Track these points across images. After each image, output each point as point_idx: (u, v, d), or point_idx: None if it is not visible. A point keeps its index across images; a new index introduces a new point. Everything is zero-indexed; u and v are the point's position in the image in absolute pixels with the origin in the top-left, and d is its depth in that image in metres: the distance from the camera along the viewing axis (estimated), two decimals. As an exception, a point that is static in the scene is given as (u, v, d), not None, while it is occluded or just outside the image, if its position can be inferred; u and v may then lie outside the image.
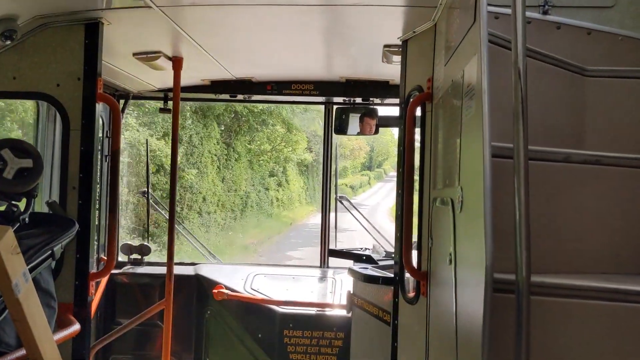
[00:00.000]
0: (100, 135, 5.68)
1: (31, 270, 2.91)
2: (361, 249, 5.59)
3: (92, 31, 3.70)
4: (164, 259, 5.24)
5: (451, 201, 2.60)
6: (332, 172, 6.40)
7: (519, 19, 2.03)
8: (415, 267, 3.64)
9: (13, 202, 3.25)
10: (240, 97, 6.04)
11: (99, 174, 5.26)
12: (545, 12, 3.50)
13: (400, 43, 4.04)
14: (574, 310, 2.11)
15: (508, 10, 3.30)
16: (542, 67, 3.10)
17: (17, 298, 2.55)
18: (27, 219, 3.26)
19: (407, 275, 3.81)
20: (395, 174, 3.94)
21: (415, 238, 3.75)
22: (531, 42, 2.90)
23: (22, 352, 2.87)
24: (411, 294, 3.75)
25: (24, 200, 3.32)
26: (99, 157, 5.32)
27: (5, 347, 2.94)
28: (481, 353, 1.85)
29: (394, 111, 6.69)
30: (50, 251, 3.21)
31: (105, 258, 5.61)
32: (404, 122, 3.80)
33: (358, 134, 5.95)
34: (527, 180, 1.91)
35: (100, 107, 3.86)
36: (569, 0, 3.70)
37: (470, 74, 2.35)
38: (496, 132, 2.04)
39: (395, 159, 3.94)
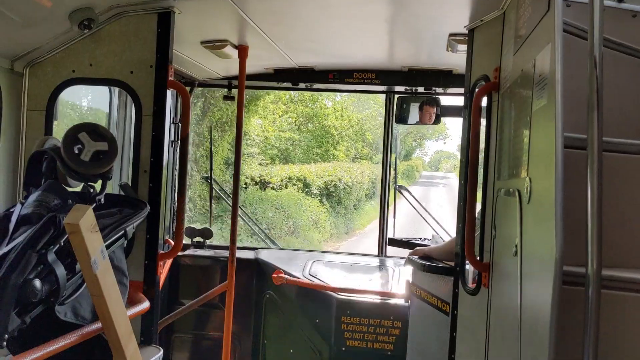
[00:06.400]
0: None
1: (106, 248, 3.04)
2: (420, 239, 5.57)
3: (165, 20, 3.82)
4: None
5: (518, 192, 2.57)
6: (392, 162, 6.39)
7: (596, 7, 1.98)
8: (477, 258, 3.62)
9: (89, 183, 3.41)
10: (302, 85, 6.10)
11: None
12: (620, 0, 3.38)
13: (466, 32, 4.00)
14: None
15: (581, -2, 3.22)
16: (617, 56, 3.01)
17: (95, 274, 2.69)
18: (102, 200, 3.41)
19: (468, 265, 3.79)
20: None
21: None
22: (605, 31, 2.79)
23: (97, 325, 3.01)
24: (472, 285, 3.73)
25: (99, 181, 3.47)
26: None
27: (82, 320, 3.09)
28: (548, 346, 1.83)
29: (456, 101, 6.62)
30: (123, 231, 3.34)
31: (170, 240, 5.84)
32: (469, 112, 3.76)
33: (417, 123, 5.92)
34: (601, 172, 1.87)
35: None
36: (647, -13, 3.56)
37: (543, 63, 2.31)
38: (566, 123, 2.01)
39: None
